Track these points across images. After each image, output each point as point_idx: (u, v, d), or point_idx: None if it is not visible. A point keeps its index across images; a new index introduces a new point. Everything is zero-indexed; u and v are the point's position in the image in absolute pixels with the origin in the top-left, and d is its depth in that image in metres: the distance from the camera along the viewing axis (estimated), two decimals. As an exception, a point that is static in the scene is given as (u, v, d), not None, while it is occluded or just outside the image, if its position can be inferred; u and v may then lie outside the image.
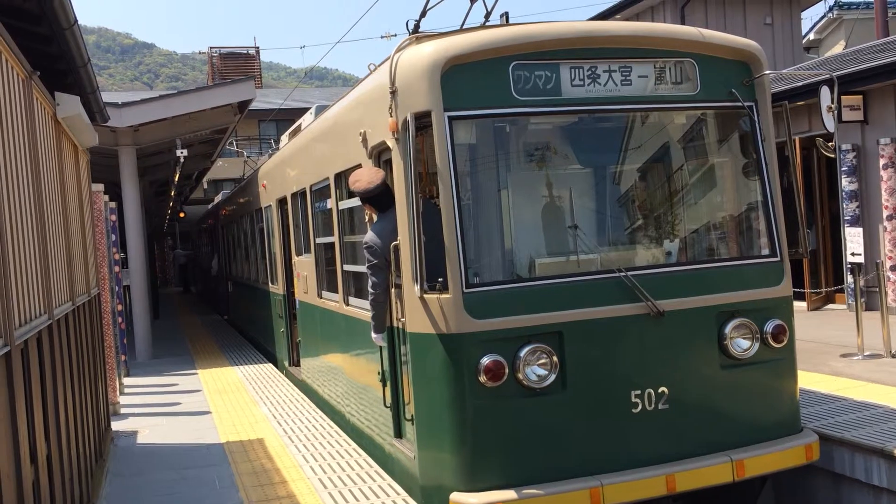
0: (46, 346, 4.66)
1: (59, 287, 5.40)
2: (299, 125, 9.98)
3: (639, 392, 5.29)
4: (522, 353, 5.08)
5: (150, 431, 8.79)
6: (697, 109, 5.95)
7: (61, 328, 5.34)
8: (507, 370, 5.05)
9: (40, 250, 4.66)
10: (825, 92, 6.61)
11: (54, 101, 6.00)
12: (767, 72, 5.85)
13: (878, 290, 9.42)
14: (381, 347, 6.08)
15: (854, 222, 12.41)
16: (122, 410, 9.92)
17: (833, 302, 13.61)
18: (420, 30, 5.82)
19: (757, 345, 5.62)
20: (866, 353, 9.04)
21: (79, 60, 6.40)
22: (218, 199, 22.94)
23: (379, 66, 6.00)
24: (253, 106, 15.93)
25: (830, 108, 6.32)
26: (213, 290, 24.83)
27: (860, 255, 10.18)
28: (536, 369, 5.12)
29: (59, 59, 6.39)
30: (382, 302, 5.83)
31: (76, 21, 5.78)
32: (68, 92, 6.42)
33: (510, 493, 4.96)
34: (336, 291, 7.59)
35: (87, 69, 6.71)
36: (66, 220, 5.95)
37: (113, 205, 10.83)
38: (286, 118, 28.58)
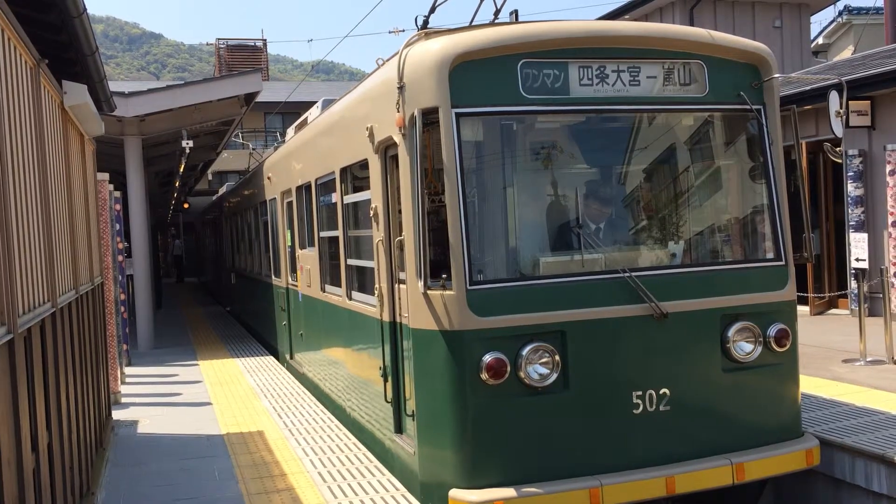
0: (49, 334, 4.66)
1: (63, 275, 5.40)
2: (306, 118, 9.97)
3: (640, 393, 5.28)
4: (525, 352, 5.07)
5: (151, 421, 8.80)
6: (705, 111, 5.93)
7: (64, 317, 5.34)
8: (508, 368, 5.04)
9: (45, 239, 4.66)
10: (834, 96, 6.59)
11: (62, 89, 5.99)
12: (776, 75, 5.83)
13: (881, 295, 9.41)
14: (382, 342, 6.07)
15: (859, 228, 12.38)
16: (123, 400, 9.93)
17: (836, 307, 13.59)
18: (429, 26, 5.80)
19: (760, 348, 5.62)
20: (868, 359, 9.03)
21: (87, 49, 6.38)
22: (223, 190, 22.95)
23: (387, 61, 5.98)
24: (259, 98, 15.91)
25: (839, 112, 6.30)
26: (216, 281, 24.85)
27: (864, 260, 10.16)
28: (538, 368, 5.11)
29: (67, 48, 6.38)
30: None
31: (85, 10, 5.76)
32: (76, 80, 6.42)
33: (509, 491, 4.96)
34: (339, 286, 7.58)
35: (95, 58, 6.69)
36: (71, 208, 5.95)
37: (118, 194, 10.84)
38: (292, 111, 28.50)
